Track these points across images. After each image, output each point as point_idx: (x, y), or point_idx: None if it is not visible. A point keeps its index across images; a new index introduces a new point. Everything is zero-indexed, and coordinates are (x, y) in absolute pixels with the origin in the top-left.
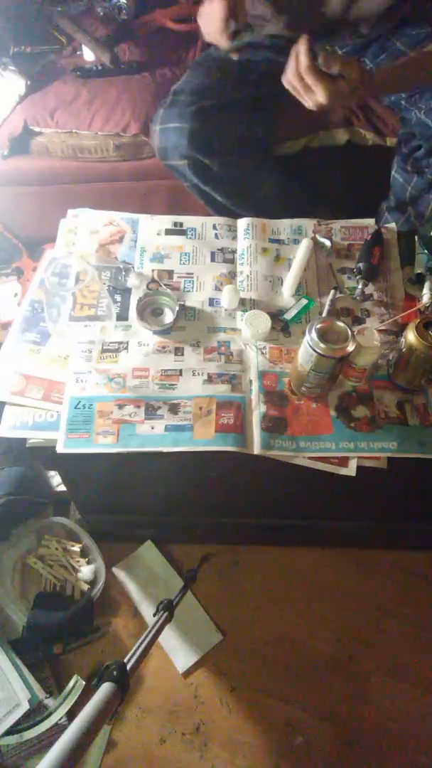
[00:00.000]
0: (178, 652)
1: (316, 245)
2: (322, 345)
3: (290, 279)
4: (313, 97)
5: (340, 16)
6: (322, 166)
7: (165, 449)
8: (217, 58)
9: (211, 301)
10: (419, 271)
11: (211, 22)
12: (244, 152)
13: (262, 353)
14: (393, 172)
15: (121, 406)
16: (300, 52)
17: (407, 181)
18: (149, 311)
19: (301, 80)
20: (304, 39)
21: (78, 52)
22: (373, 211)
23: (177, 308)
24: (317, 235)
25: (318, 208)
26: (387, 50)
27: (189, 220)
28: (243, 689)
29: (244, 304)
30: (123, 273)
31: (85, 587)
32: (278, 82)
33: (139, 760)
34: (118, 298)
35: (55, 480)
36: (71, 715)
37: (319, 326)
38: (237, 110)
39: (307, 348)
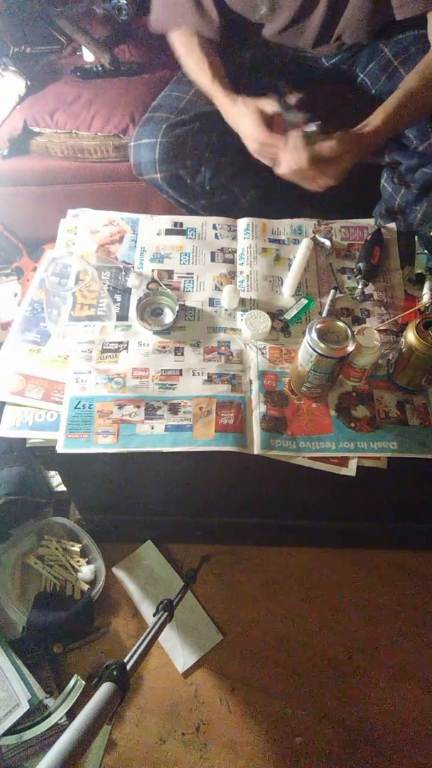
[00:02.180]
0: (178, 652)
1: (316, 245)
2: (322, 345)
3: (290, 279)
4: (321, 183)
5: (320, 39)
6: None
7: (165, 449)
8: None
9: (211, 301)
10: (419, 271)
11: (245, 125)
12: (219, 164)
13: (262, 353)
14: (382, 181)
15: (121, 406)
16: (298, 147)
17: (395, 192)
18: (149, 311)
19: (302, 173)
20: (298, 135)
21: (78, 53)
22: (367, 214)
23: (177, 308)
24: (317, 235)
25: (305, 214)
26: (376, 58)
27: (189, 220)
28: (243, 689)
29: (244, 304)
30: (123, 273)
31: (85, 587)
32: (260, 93)
33: (139, 760)
34: (118, 298)
35: (55, 480)
36: (71, 715)
37: (319, 326)
38: (213, 121)
39: (307, 348)
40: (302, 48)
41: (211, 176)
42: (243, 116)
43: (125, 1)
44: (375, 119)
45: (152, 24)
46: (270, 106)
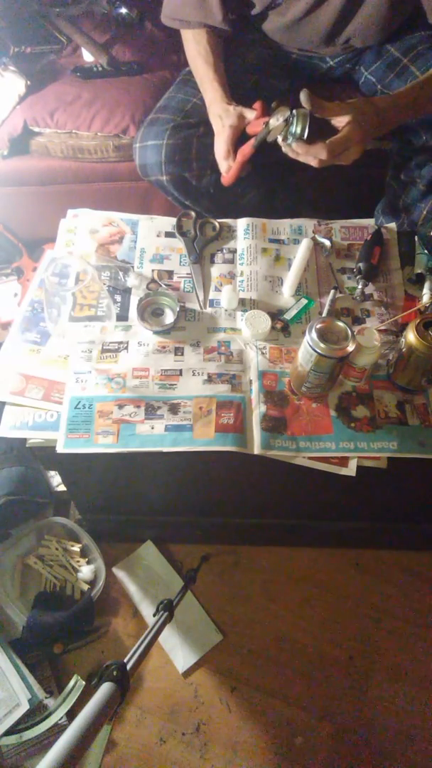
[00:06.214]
0: (178, 652)
1: (316, 245)
2: (322, 345)
3: (290, 279)
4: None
5: (330, 36)
6: (316, 171)
7: (165, 449)
8: None
9: (211, 302)
10: (419, 271)
11: (216, 152)
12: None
13: (262, 353)
14: (387, 179)
15: (121, 406)
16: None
17: (401, 189)
18: (150, 311)
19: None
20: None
21: (78, 53)
22: (367, 214)
23: (178, 309)
24: (317, 235)
25: (306, 214)
26: (382, 57)
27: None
28: (243, 689)
29: (244, 304)
30: (123, 273)
31: (85, 587)
32: (266, 94)
33: (139, 760)
34: (118, 298)
35: (55, 480)
36: (71, 715)
37: (319, 326)
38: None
39: (307, 348)
40: (307, 48)
41: (216, 179)
42: (218, 134)
43: (124, 2)
44: (400, 92)
45: (163, 19)
46: (250, 113)
